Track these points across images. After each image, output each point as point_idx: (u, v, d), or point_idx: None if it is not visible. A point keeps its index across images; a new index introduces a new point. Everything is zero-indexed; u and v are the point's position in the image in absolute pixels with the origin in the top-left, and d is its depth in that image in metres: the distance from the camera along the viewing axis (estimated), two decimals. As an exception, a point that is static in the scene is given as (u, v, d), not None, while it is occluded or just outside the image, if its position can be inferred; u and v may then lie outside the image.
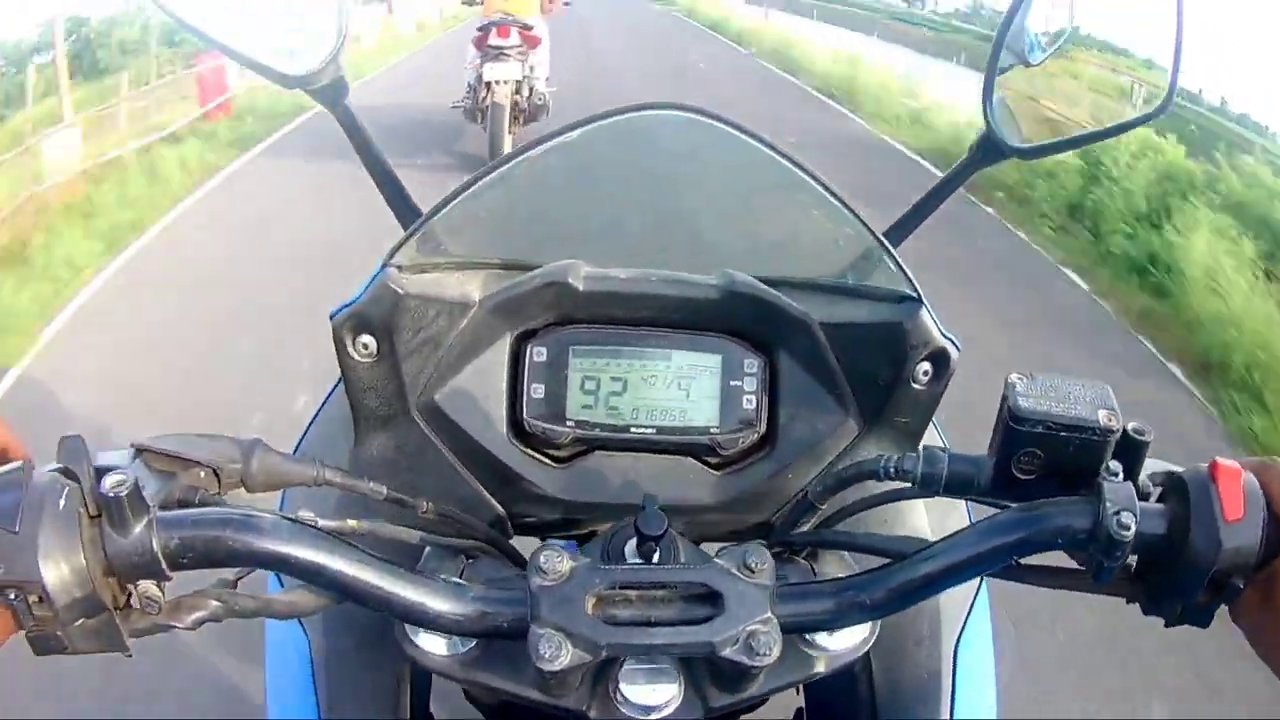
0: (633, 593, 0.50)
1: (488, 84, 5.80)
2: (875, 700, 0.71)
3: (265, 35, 0.71)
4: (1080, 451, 0.47)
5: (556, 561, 0.49)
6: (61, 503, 0.42)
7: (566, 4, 7.00)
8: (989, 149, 0.82)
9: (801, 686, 0.85)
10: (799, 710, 0.89)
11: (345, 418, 0.71)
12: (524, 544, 0.72)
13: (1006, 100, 0.84)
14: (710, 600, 0.49)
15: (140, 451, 0.50)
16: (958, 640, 0.72)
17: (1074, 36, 0.89)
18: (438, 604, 0.49)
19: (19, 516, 0.41)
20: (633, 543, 0.57)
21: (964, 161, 0.83)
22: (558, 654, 0.47)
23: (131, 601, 0.46)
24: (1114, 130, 0.82)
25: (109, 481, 0.43)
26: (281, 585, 0.67)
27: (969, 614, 0.74)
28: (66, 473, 0.44)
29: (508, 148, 5.89)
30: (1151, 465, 0.49)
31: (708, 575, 0.49)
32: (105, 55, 7.58)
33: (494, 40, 5.84)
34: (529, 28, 5.98)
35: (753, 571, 0.50)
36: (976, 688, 0.73)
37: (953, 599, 0.73)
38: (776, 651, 0.48)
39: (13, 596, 0.41)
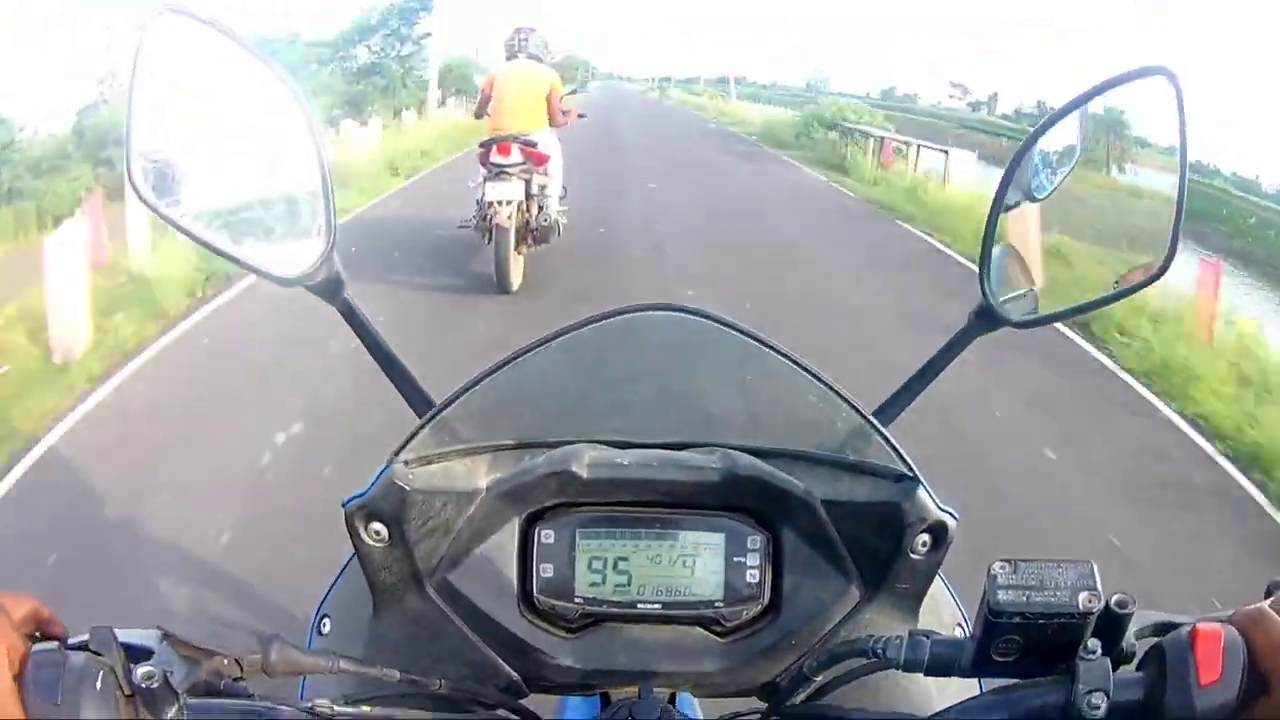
0: None
1: (490, 204, 5.55)
2: None
3: (263, 240, 0.74)
4: (1059, 633, 0.49)
5: None
6: (99, 685, 0.47)
7: (581, 116, 6.65)
8: (986, 319, 0.82)
9: None
10: None
11: (362, 588, 0.74)
12: (537, 699, 0.77)
13: (1009, 245, 0.85)
14: None
15: (166, 636, 0.55)
16: None
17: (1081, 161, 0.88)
18: None
19: (60, 693, 0.46)
20: None
21: (961, 332, 0.84)
22: None
23: None
24: (1114, 297, 0.81)
25: (140, 673, 0.49)
26: None
27: None
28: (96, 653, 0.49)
29: (516, 270, 5.86)
30: (1144, 617, 0.51)
31: None
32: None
33: (495, 158, 5.59)
34: (533, 144, 5.70)
35: None
36: None
37: None
38: None
39: None
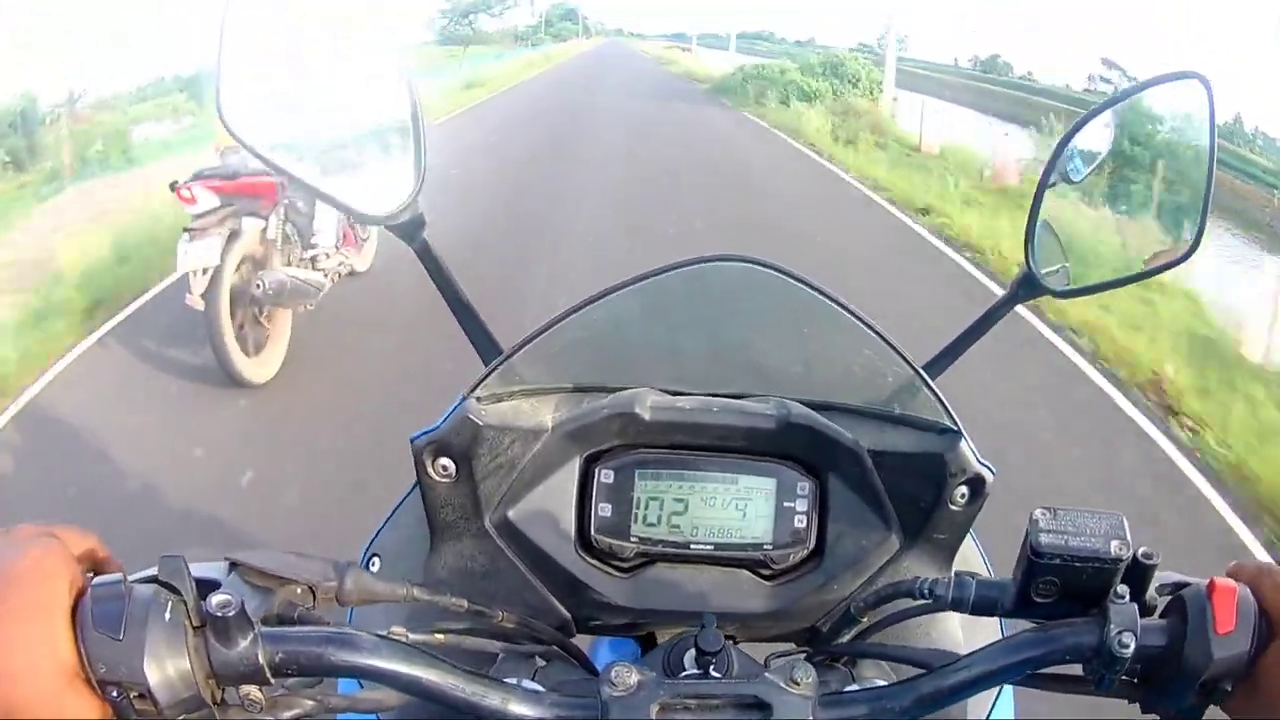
0: (692, 702, 0.54)
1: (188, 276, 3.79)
2: None
3: (352, 177, 0.75)
4: (1093, 577, 0.52)
5: (626, 675, 0.53)
6: (167, 615, 0.46)
7: None
8: (1029, 286, 0.87)
9: None
10: None
11: (418, 524, 0.76)
12: (588, 640, 0.78)
13: (1045, 220, 0.89)
14: (759, 708, 0.53)
15: (235, 565, 0.55)
16: None
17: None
18: (518, 709, 0.53)
19: (123, 626, 0.44)
20: (691, 653, 0.63)
21: (1004, 297, 0.89)
22: None
23: (227, 697, 0.50)
24: (1146, 274, 0.88)
25: (215, 601, 0.47)
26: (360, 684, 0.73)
27: (991, 710, 0.76)
28: (165, 584, 0.47)
29: (263, 355, 4.13)
30: (1163, 577, 0.54)
31: (758, 689, 0.54)
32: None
33: (187, 209, 3.84)
34: (233, 175, 3.90)
35: (798, 684, 0.54)
36: None
37: (977, 699, 0.76)
38: None
39: (115, 694, 0.45)
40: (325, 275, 4.39)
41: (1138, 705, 0.55)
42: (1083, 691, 0.56)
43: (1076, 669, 0.55)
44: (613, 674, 0.53)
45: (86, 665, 0.44)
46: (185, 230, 3.80)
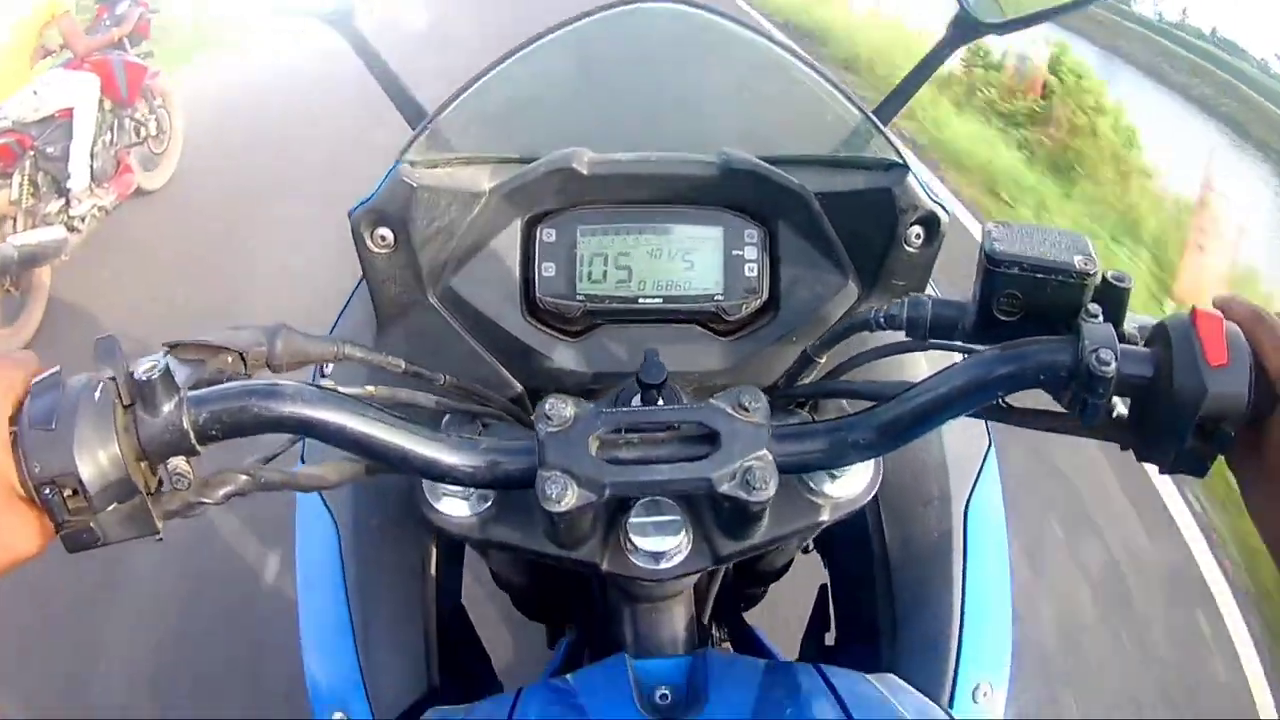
0: (635, 435, 0.52)
1: None
2: (889, 561, 0.75)
3: None
4: (1059, 293, 0.48)
5: (562, 408, 0.51)
6: (97, 395, 0.44)
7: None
8: (965, 26, 0.85)
9: (824, 559, 0.90)
10: (823, 586, 0.92)
11: (368, 311, 0.74)
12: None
13: None
14: (709, 440, 0.51)
15: (173, 346, 0.53)
16: (968, 502, 0.76)
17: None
18: (451, 457, 0.51)
19: (55, 416, 0.43)
20: (638, 396, 0.61)
21: (942, 41, 0.86)
22: (563, 494, 0.49)
23: (163, 485, 0.48)
24: (1083, 2, 0.86)
25: (142, 368, 0.45)
26: (303, 460, 0.71)
27: (978, 477, 0.78)
28: (99, 374, 0.46)
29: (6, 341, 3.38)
30: (1138, 320, 0.51)
31: (704, 415, 0.51)
32: None
33: None
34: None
35: (747, 410, 0.51)
36: (989, 548, 0.76)
37: (962, 460, 0.77)
38: (773, 486, 0.50)
39: (48, 493, 0.43)
40: (76, 223, 3.93)
41: (1132, 455, 0.51)
42: (1066, 430, 0.52)
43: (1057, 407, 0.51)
44: (548, 408, 0.51)
45: (23, 469, 0.43)
46: None
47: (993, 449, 0.79)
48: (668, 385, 0.59)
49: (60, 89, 3.79)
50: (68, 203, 3.86)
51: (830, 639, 0.89)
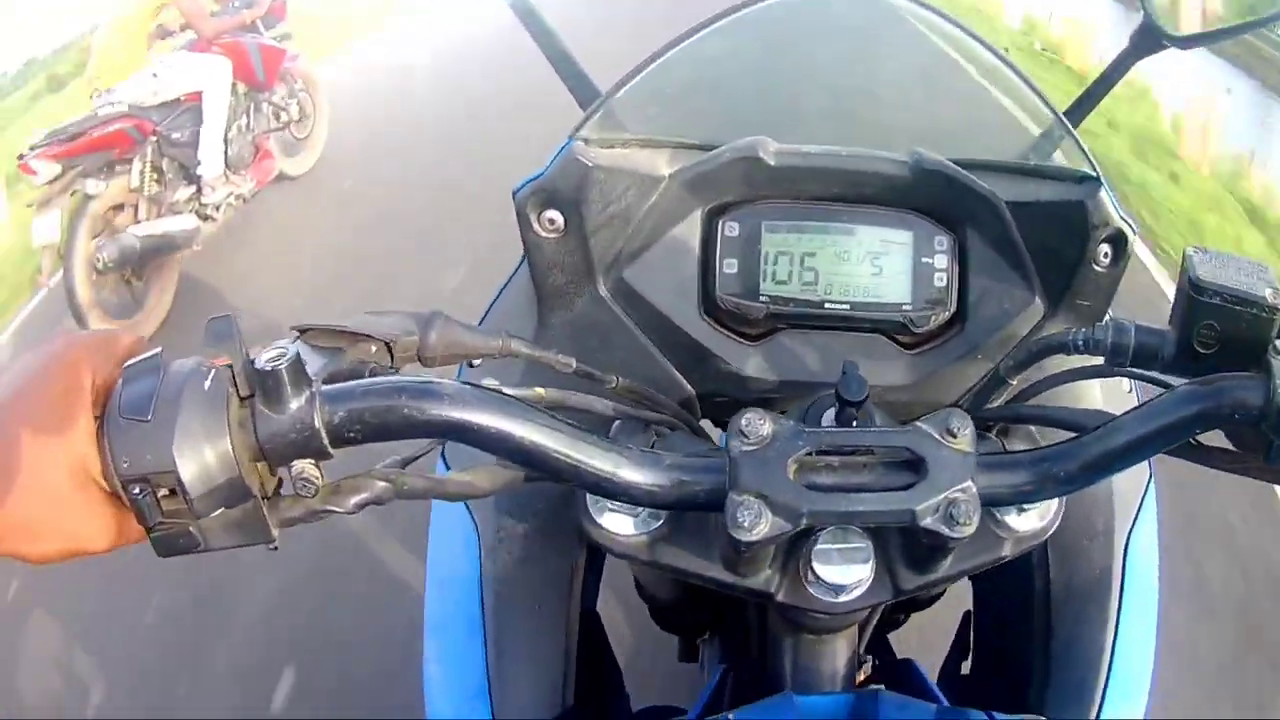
0: (835, 459, 0.48)
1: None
2: (1050, 596, 0.71)
3: None
4: (1250, 326, 0.46)
5: (759, 425, 0.46)
6: (208, 384, 0.39)
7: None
8: (1149, 38, 0.82)
9: (972, 587, 0.86)
10: (966, 614, 0.88)
11: (528, 300, 0.70)
12: (711, 430, 0.70)
13: None
14: (912, 467, 0.47)
15: (303, 332, 0.47)
16: (1129, 535, 0.72)
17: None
18: (632, 474, 0.45)
19: (153, 405, 0.38)
20: (831, 411, 0.55)
21: (1125, 50, 0.83)
22: (756, 522, 0.45)
23: (281, 488, 0.43)
24: (1268, 19, 0.84)
25: (266, 356, 0.39)
26: (448, 469, 0.67)
27: (1138, 511, 0.73)
28: (212, 359, 0.40)
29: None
30: None
31: (911, 440, 0.47)
32: None
33: (34, 182, 3.26)
34: (82, 133, 3.26)
35: (955, 437, 0.47)
36: (1143, 585, 0.72)
37: (1125, 493, 0.73)
38: (975, 522, 0.46)
39: (138, 492, 0.38)
40: (209, 210, 3.74)
41: None
42: (1250, 471, 0.50)
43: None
44: (744, 423, 0.46)
45: (109, 462, 0.38)
46: (28, 206, 3.30)
47: (1153, 481, 0.75)
48: (867, 403, 0.53)
49: (185, 72, 3.62)
50: (199, 190, 3.71)
51: (966, 667, 0.86)
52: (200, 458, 0.38)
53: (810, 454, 0.47)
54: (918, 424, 0.48)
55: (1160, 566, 0.75)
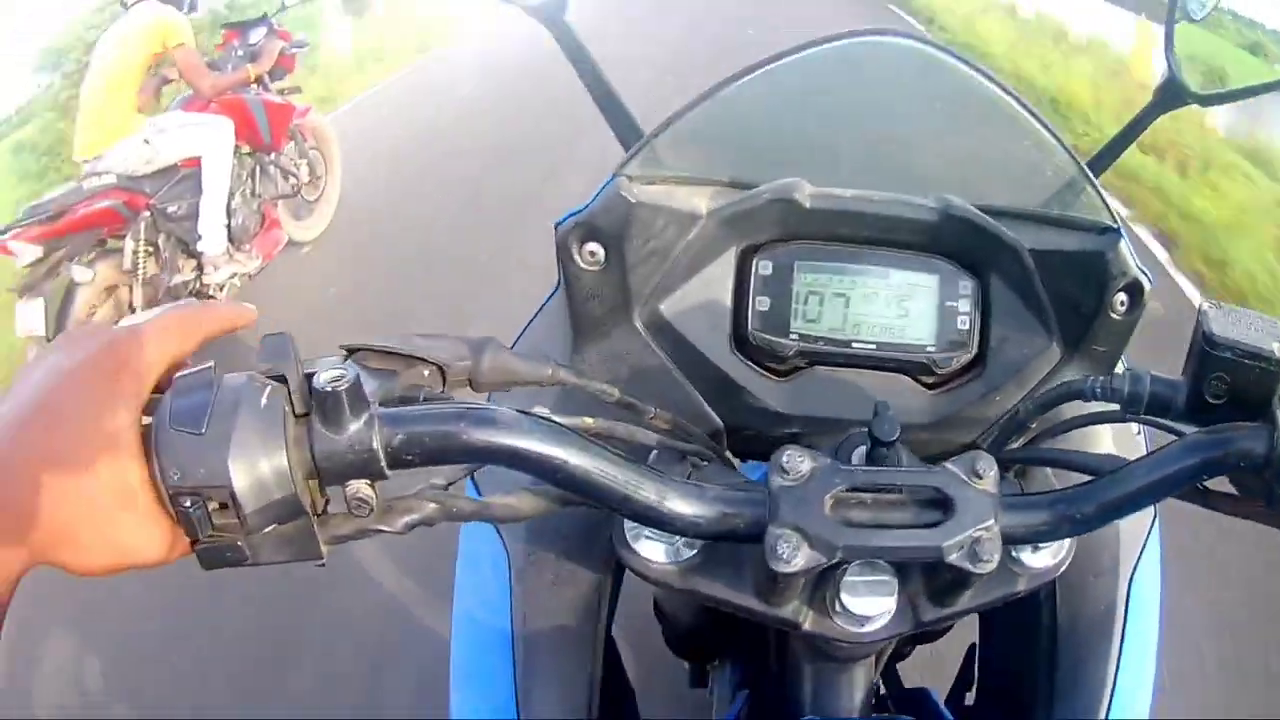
0: (868, 496, 0.49)
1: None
2: (1056, 630, 0.73)
3: None
4: (1259, 380, 0.48)
5: (799, 462, 0.48)
6: (263, 401, 0.39)
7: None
8: (1172, 93, 0.85)
9: (979, 621, 0.88)
10: (972, 646, 0.90)
11: (561, 330, 0.72)
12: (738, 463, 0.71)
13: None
14: (940, 506, 0.49)
15: (352, 352, 0.48)
16: (1133, 572, 0.74)
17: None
18: (678, 504, 0.47)
19: (207, 418, 0.38)
20: (862, 449, 0.57)
21: (1150, 105, 0.86)
22: (794, 555, 0.47)
23: (329, 506, 0.43)
24: None
25: (325, 376, 0.40)
26: (479, 493, 0.68)
27: (1142, 549, 0.76)
28: (265, 375, 0.40)
29: None
30: None
31: (940, 480, 0.49)
32: None
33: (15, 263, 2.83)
34: (66, 208, 2.83)
35: (980, 478, 0.50)
36: (1144, 622, 0.75)
37: (1130, 531, 0.75)
38: (997, 559, 0.49)
39: (189, 504, 0.37)
40: (212, 291, 3.33)
41: None
42: (1255, 515, 0.52)
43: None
44: (784, 459, 0.48)
45: (157, 473, 0.37)
46: (10, 290, 2.83)
47: (1157, 520, 0.77)
48: (898, 446, 0.56)
49: (182, 135, 3.17)
50: (200, 269, 3.30)
51: (969, 698, 0.88)
52: (255, 473, 0.38)
53: (846, 490, 0.49)
54: (946, 465, 0.50)
55: (1162, 604, 0.77)
